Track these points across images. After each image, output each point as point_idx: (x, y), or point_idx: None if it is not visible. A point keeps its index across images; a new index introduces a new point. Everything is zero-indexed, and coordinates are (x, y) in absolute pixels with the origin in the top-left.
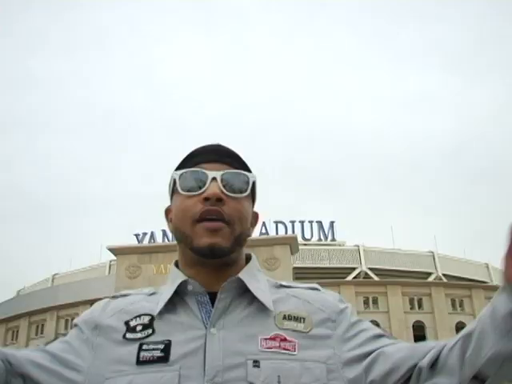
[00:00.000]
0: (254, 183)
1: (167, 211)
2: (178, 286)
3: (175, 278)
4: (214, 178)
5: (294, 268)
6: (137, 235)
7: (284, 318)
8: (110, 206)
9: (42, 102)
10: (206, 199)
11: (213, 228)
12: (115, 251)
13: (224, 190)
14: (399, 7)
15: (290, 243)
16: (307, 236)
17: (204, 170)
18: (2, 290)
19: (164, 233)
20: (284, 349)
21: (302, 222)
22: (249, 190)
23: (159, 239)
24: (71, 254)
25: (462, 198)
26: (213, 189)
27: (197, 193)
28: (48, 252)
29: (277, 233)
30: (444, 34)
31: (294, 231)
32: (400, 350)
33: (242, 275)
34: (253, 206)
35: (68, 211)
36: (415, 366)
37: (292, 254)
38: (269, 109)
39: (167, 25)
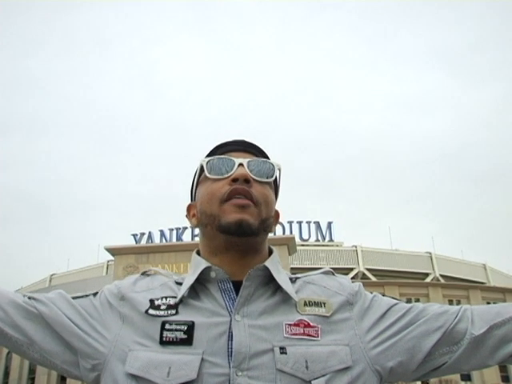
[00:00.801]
0: (279, 171)
1: (189, 207)
2: (201, 274)
3: (198, 265)
4: (240, 164)
5: (292, 269)
6: (134, 235)
7: (305, 304)
8: (108, 206)
9: (40, 103)
10: (234, 180)
11: (241, 204)
12: (113, 251)
13: (251, 174)
14: (398, 9)
15: (288, 244)
16: (305, 237)
17: (231, 157)
18: None
19: (161, 233)
20: (308, 335)
21: (299, 223)
22: (274, 176)
23: (157, 239)
24: (69, 254)
25: (459, 199)
26: (241, 171)
27: (224, 176)
28: (46, 252)
29: (274, 233)
30: (444, 35)
31: (291, 232)
32: (421, 324)
33: (268, 264)
34: (275, 199)
35: (66, 212)
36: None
37: (290, 254)
38: (267, 110)
39: (166, 26)
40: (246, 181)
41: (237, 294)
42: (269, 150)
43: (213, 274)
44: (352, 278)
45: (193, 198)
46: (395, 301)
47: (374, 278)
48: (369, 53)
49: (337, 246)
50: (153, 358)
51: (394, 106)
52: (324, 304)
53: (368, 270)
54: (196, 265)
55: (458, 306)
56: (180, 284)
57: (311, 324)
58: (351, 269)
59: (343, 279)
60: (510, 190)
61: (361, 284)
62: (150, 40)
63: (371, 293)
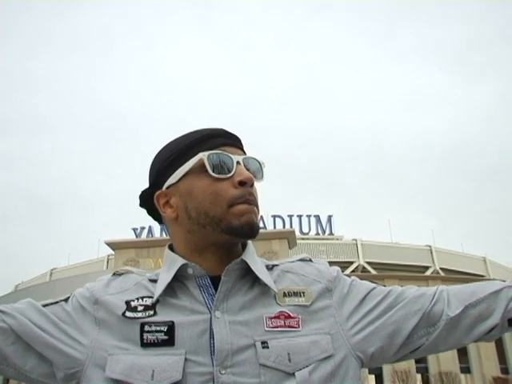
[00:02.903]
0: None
1: (159, 196)
2: (177, 270)
3: (173, 262)
4: (238, 162)
5: None
6: (135, 229)
7: (284, 295)
8: (109, 201)
9: (43, 102)
10: (242, 183)
11: (252, 207)
12: (113, 246)
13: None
14: (398, 7)
15: (288, 237)
16: (305, 230)
17: (228, 154)
18: (1, 284)
19: (162, 227)
20: (289, 326)
21: (299, 217)
22: (263, 177)
23: (157, 233)
24: (70, 248)
25: (460, 194)
26: (246, 173)
27: (227, 176)
28: (47, 247)
29: (274, 227)
30: (443, 32)
31: (291, 225)
32: (401, 307)
33: (245, 257)
34: None
35: (67, 208)
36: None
37: (290, 248)
38: (269, 106)
39: (169, 24)
40: (252, 184)
41: (215, 290)
42: (269, 144)
43: (190, 271)
44: (352, 272)
45: (158, 184)
46: (374, 285)
47: (374, 272)
48: (369, 50)
49: (337, 239)
50: (135, 362)
51: (394, 102)
52: (303, 293)
53: (368, 263)
54: (171, 262)
55: (435, 287)
56: (154, 281)
57: (291, 315)
58: (351, 262)
59: (321, 265)
60: (510, 184)
61: (339, 269)
62: (153, 39)
63: (349, 277)
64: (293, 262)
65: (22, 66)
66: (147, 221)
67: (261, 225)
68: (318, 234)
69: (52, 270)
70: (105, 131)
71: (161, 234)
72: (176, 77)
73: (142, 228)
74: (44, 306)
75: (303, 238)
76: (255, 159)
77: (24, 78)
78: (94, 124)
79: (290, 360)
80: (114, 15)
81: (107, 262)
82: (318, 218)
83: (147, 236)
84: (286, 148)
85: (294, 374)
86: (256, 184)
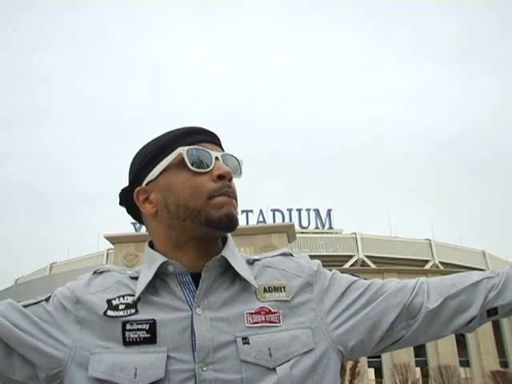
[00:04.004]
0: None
1: (138, 192)
2: (158, 268)
3: (153, 259)
4: (216, 158)
5: None
6: (134, 224)
7: (265, 290)
8: (109, 196)
9: (45, 97)
10: (220, 177)
11: (231, 200)
12: (112, 240)
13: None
14: (397, 3)
15: (288, 231)
16: (304, 224)
17: (206, 149)
18: (1, 278)
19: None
20: (269, 322)
21: (299, 210)
22: (242, 173)
23: None
24: (69, 242)
25: (459, 187)
26: (225, 167)
27: (206, 170)
28: (46, 241)
29: (274, 221)
30: (443, 28)
31: (291, 219)
32: (382, 300)
33: (225, 254)
34: None
35: (66, 201)
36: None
37: (289, 242)
38: (269, 101)
39: (170, 20)
40: (231, 178)
41: (196, 287)
42: (269, 139)
43: (170, 268)
44: (351, 266)
45: (137, 182)
46: (354, 278)
47: (373, 265)
48: (369, 46)
49: (336, 233)
50: (117, 360)
51: (394, 96)
52: (284, 288)
53: (367, 257)
54: (151, 259)
55: (416, 279)
56: (135, 279)
57: (272, 310)
58: (351, 256)
59: (301, 259)
60: (509, 178)
61: (319, 262)
62: (154, 35)
63: (330, 270)
64: (273, 256)
65: (24, 61)
66: None
67: (260, 219)
68: (317, 227)
69: (52, 264)
70: (105, 126)
71: (147, 231)
72: (177, 72)
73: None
74: (25, 306)
75: (302, 232)
76: (233, 156)
77: (25, 72)
78: (95, 118)
79: (270, 355)
80: (115, 11)
81: (107, 256)
82: (317, 211)
83: (146, 230)
84: (286, 142)
85: (274, 369)
86: (235, 180)
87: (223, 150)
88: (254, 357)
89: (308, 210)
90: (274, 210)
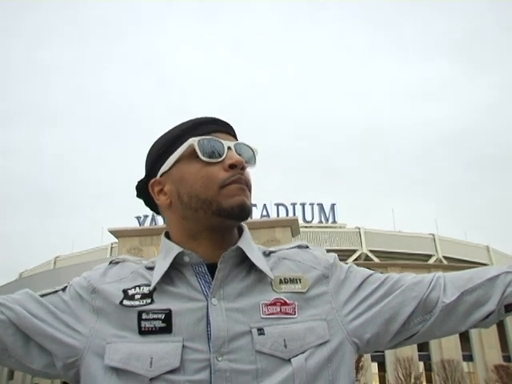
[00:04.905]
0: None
1: (153, 184)
2: (174, 258)
3: (169, 249)
4: (229, 147)
5: None
6: (138, 218)
7: (281, 281)
8: (113, 190)
9: (51, 92)
10: (232, 166)
11: (243, 188)
12: (116, 233)
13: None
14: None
15: (291, 225)
16: (308, 218)
17: (219, 139)
18: (5, 272)
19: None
20: (285, 313)
21: (303, 205)
22: (256, 162)
23: (161, 222)
24: (73, 236)
25: (463, 183)
26: (236, 156)
27: (217, 160)
28: (51, 235)
29: (278, 215)
30: (446, 24)
31: (295, 213)
32: (398, 295)
33: (241, 244)
34: None
35: (71, 196)
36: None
37: (293, 236)
38: (273, 96)
39: (174, 16)
40: (243, 167)
41: (212, 277)
42: (274, 133)
43: (186, 259)
44: (355, 260)
45: (152, 173)
46: (370, 271)
47: (376, 260)
48: (372, 42)
49: (340, 227)
50: (133, 350)
51: (397, 92)
52: (299, 280)
53: (371, 251)
54: (167, 249)
55: (432, 274)
56: (151, 269)
57: (287, 302)
58: (354, 250)
59: (318, 252)
60: None
61: (336, 255)
62: (158, 30)
63: (346, 263)
64: (290, 248)
65: (28, 57)
66: None
67: (264, 213)
68: (321, 222)
69: (56, 257)
70: (109, 121)
71: (164, 222)
72: (181, 68)
73: (146, 216)
74: (42, 295)
75: (306, 226)
76: (247, 145)
77: (30, 69)
78: (99, 114)
79: (285, 346)
80: (119, 7)
81: (111, 250)
82: (321, 206)
83: (150, 224)
84: (290, 137)
85: (290, 360)
86: (249, 170)
87: (237, 139)
88: (269, 348)
89: (312, 205)
90: (277, 205)
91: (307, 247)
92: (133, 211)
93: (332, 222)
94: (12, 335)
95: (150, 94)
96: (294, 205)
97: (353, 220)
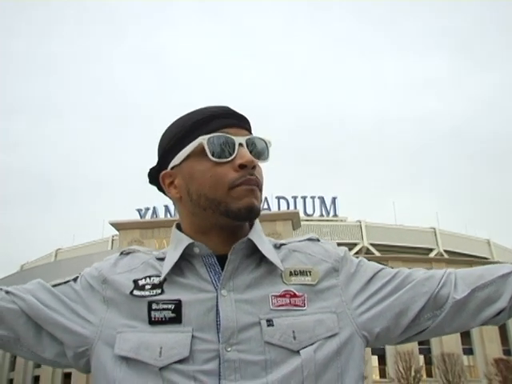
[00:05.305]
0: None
1: (164, 176)
2: (184, 249)
3: (180, 241)
4: (240, 144)
5: None
6: (139, 210)
7: (291, 274)
8: (114, 183)
9: (51, 85)
10: (242, 166)
11: (252, 189)
12: (117, 226)
13: (253, 158)
14: None
15: (292, 219)
16: (309, 212)
17: (230, 136)
18: (7, 264)
19: (166, 208)
20: (294, 305)
21: (304, 198)
22: (269, 156)
23: (161, 214)
24: (74, 229)
25: (464, 176)
26: (247, 155)
27: (227, 159)
28: (52, 227)
29: (279, 208)
30: (449, 19)
31: (296, 207)
32: (409, 289)
33: (252, 236)
34: None
35: (72, 188)
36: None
37: (294, 229)
38: (275, 90)
39: (176, 9)
40: (254, 167)
41: (222, 269)
42: (275, 126)
43: (196, 250)
44: (356, 253)
45: (163, 164)
46: (381, 266)
47: (377, 253)
48: (375, 37)
49: (341, 221)
50: (143, 339)
51: (398, 86)
52: (310, 272)
53: (372, 245)
54: (178, 241)
55: (443, 270)
56: (161, 259)
57: (297, 294)
58: (355, 244)
59: (328, 245)
60: None
61: (346, 249)
62: (160, 24)
63: (357, 257)
64: (300, 241)
65: (31, 51)
66: (152, 202)
67: (265, 206)
68: (322, 215)
69: (57, 250)
70: (111, 114)
71: (165, 215)
72: (183, 61)
73: (147, 209)
74: (53, 286)
75: (307, 220)
76: (261, 138)
77: (33, 63)
78: (100, 107)
79: (294, 338)
80: (122, 1)
81: (112, 242)
82: (322, 199)
83: (151, 217)
84: (292, 130)
85: (298, 351)
86: (262, 164)
87: (251, 132)
88: (278, 339)
89: (313, 198)
90: (278, 198)
91: (318, 240)
92: (134, 204)
93: (333, 216)
94: (24, 324)
95: (151, 87)
96: (295, 198)
97: (354, 213)
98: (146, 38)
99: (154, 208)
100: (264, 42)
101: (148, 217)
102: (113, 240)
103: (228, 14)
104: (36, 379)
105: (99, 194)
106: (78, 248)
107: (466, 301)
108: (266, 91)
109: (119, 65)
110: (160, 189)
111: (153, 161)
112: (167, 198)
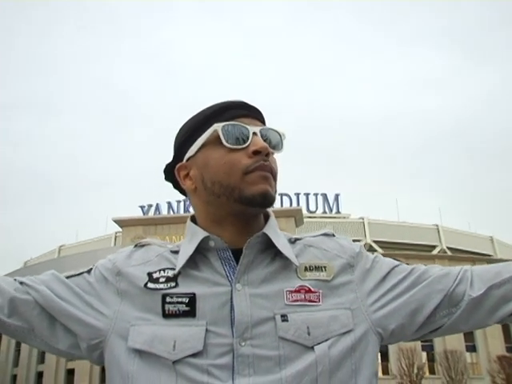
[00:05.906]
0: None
1: (179, 168)
2: (199, 243)
3: (194, 234)
4: (254, 133)
5: None
6: (142, 207)
7: (306, 269)
8: (117, 180)
9: (55, 83)
10: (256, 152)
11: (267, 176)
12: (120, 223)
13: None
14: None
15: (295, 216)
16: (312, 208)
17: (244, 125)
18: (11, 261)
19: (169, 205)
20: (309, 300)
21: (306, 195)
22: (283, 147)
23: (164, 211)
24: (78, 226)
25: (467, 174)
26: (261, 142)
27: (242, 146)
28: (55, 224)
29: (281, 205)
30: (451, 17)
31: (298, 204)
32: (425, 286)
33: (267, 231)
34: None
35: (75, 185)
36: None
37: (297, 226)
38: (279, 87)
39: (179, 6)
40: (268, 154)
41: (237, 263)
42: (280, 123)
43: (211, 243)
44: None
45: (179, 157)
46: (397, 262)
47: (380, 250)
48: (378, 34)
49: (344, 217)
50: (157, 332)
51: (400, 83)
52: (325, 268)
53: (375, 242)
54: (193, 234)
55: (459, 267)
56: (176, 252)
57: (312, 289)
58: (358, 241)
59: (344, 240)
60: None
61: (362, 245)
62: (162, 21)
63: (373, 253)
64: (315, 236)
65: (33, 49)
66: (154, 198)
67: None
68: (324, 212)
69: (60, 246)
70: (113, 111)
71: (168, 212)
72: (185, 58)
73: (150, 205)
74: (67, 277)
75: (310, 217)
76: (274, 130)
77: (33, 63)
78: (103, 104)
79: (309, 334)
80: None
81: (115, 239)
82: (325, 196)
83: (154, 213)
84: (294, 128)
85: (313, 347)
86: (276, 155)
87: (265, 124)
88: (293, 334)
89: (316, 195)
90: (281, 195)
91: (333, 235)
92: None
93: (336, 213)
94: (38, 315)
95: (154, 84)
96: (297, 195)
97: (357, 210)
98: (146, 38)
99: (157, 205)
100: (264, 41)
101: (151, 213)
102: (116, 236)
103: (228, 13)
104: (39, 375)
105: (102, 191)
106: (81, 244)
107: (482, 298)
108: (268, 87)
109: (119, 64)
110: (175, 186)
111: (154, 160)
112: (170, 195)
